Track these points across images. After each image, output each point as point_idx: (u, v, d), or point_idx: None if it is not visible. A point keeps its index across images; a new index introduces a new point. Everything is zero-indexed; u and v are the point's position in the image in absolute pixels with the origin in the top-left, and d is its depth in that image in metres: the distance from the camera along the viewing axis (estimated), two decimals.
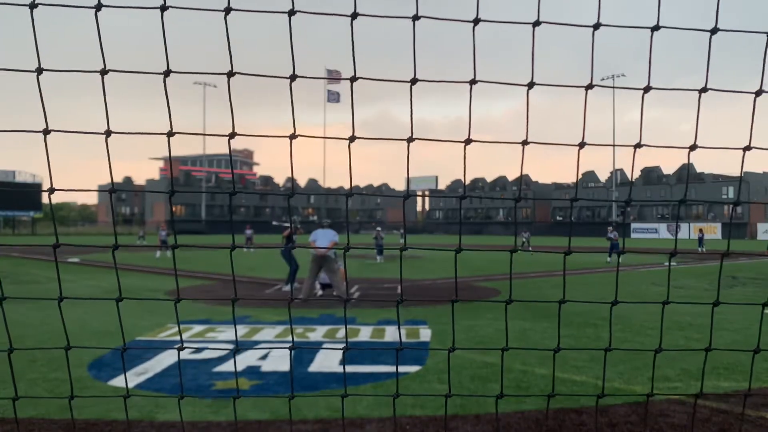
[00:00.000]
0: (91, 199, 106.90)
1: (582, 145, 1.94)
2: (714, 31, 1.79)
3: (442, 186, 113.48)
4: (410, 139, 1.89)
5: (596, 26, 1.81)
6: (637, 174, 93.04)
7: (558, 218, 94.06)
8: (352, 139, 1.86)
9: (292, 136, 1.84)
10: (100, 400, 4.92)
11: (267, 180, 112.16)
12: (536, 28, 1.75)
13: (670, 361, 6.36)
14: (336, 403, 4.85)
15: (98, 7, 1.71)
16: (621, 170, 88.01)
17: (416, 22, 1.76)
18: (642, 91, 1.89)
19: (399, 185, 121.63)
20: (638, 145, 1.94)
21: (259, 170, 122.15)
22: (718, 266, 18.82)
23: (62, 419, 4.48)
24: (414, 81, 1.82)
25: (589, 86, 1.91)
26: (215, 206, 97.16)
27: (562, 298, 2.00)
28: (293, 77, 1.80)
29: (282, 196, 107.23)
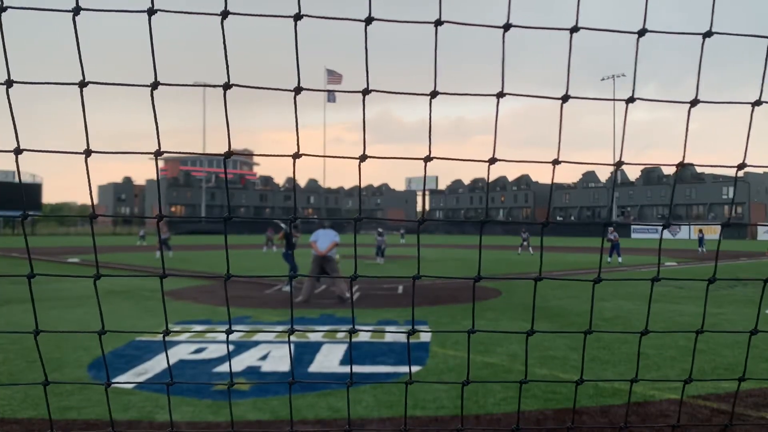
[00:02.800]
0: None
1: (620, 164, 1.81)
2: None
3: (442, 186, 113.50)
4: (427, 159, 1.71)
5: (641, 32, 1.70)
6: (637, 174, 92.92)
7: (558, 218, 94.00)
8: (363, 158, 1.65)
9: (296, 156, 1.66)
10: (100, 400, 4.91)
11: (267, 180, 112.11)
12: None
13: (670, 361, 6.36)
14: (336, 403, 4.85)
15: (76, 10, 1.48)
16: (621, 170, 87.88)
17: (438, 27, 1.60)
18: (689, 105, 1.76)
19: (399, 185, 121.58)
20: (680, 165, 1.83)
21: (259, 170, 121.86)
22: (720, 266, 18.60)
23: (62, 419, 4.47)
24: (434, 94, 1.64)
25: (630, 99, 1.77)
26: (215, 206, 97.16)
27: (588, 328, 1.87)
28: (298, 89, 1.62)
29: (282, 196, 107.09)
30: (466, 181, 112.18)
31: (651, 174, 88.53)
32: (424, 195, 1.68)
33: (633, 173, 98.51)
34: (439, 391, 5.31)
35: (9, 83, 1.51)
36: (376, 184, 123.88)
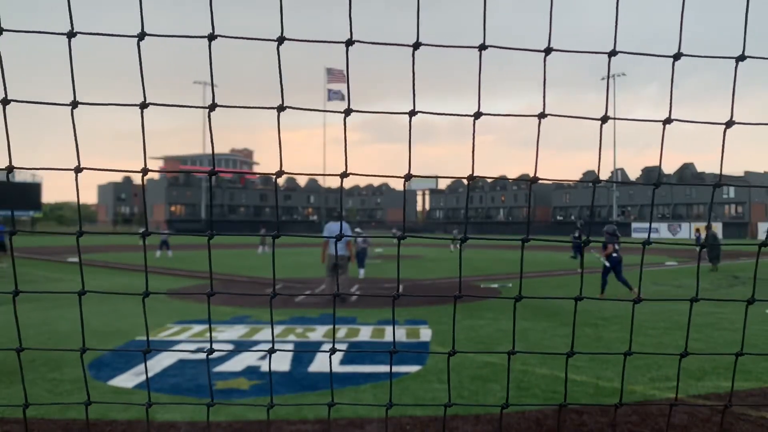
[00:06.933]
0: (91, 198, 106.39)
1: (658, 184, 1.79)
2: None
3: (442, 186, 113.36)
4: (470, 178, 1.73)
5: (677, 57, 1.68)
6: (637, 173, 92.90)
7: (558, 218, 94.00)
8: (407, 177, 1.69)
9: (343, 175, 1.69)
10: (101, 400, 4.91)
11: (267, 180, 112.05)
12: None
13: (671, 360, 6.35)
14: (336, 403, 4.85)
15: (141, 36, 1.55)
16: (621, 170, 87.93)
17: (482, 51, 1.60)
18: (724, 126, 1.73)
19: (399, 185, 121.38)
20: (718, 184, 1.81)
21: (259, 169, 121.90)
22: (720, 266, 18.53)
23: (62, 419, 4.47)
24: (478, 115, 1.65)
25: (667, 121, 1.75)
26: (215, 206, 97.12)
27: (627, 350, 1.83)
28: (348, 111, 1.65)
29: (282, 195, 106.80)
30: (467, 181, 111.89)
31: (651, 173, 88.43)
32: (466, 207, 1.70)
33: (633, 173, 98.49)
34: (438, 390, 5.31)
35: (74, 104, 1.54)
36: (376, 183, 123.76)
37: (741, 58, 1.63)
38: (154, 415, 4.57)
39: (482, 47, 1.58)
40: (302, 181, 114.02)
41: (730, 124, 1.70)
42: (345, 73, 1.68)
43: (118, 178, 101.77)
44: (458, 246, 30.34)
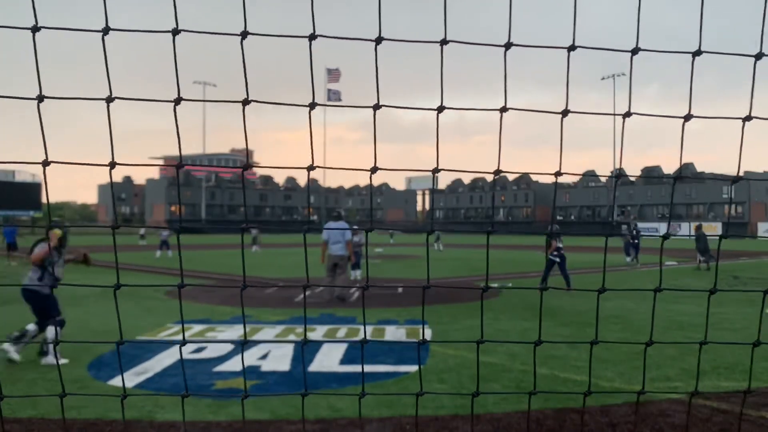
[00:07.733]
0: (91, 198, 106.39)
1: (620, 175, 1.87)
2: None
3: (442, 185, 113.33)
4: (435, 170, 1.80)
5: (634, 51, 1.72)
6: (637, 173, 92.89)
7: (558, 217, 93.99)
8: (374, 170, 1.77)
9: (310, 168, 1.77)
10: (100, 400, 4.91)
11: (266, 180, 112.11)
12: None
13: (670, 360, 6.36)
14: (336, 403, 4.84)
15: (105, 31, 1.61)
16: (621, 169, 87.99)
17: (444, 46, 1.66)
18: (683, 120, 1.79)
19: (399, 185, 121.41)
20: (679, 177, 1.87)
21: (259, 169, 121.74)
22: (720, 266, 18.52)
23: (62, 419, 4.46)
24: (441, 109, 1.72)
25: (627, 114, 1.81)
26: (215, 206, 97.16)
27: (595, 338, 1.92)
28: (312, 105, 1.72)
29: (282, 195, 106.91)
30: (466, 181, 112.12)
31: (651, 173, 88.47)
32: (432, 204, 1.76)
33: (633, 172, 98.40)
34: (438, 390, 5.30)
35: (40, 98, 1.62)
36: (376, 183, 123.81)
37: (697, 53, 1.73)
38: (154, 415, 4.57)
39: (443, 42, 1.67)
40: (302, 180, 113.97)
41: (688, 117, 1.78)
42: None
43: (118, 177, 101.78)
44: (440, 246, 32.08)
